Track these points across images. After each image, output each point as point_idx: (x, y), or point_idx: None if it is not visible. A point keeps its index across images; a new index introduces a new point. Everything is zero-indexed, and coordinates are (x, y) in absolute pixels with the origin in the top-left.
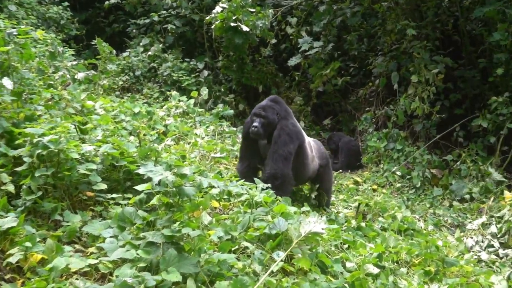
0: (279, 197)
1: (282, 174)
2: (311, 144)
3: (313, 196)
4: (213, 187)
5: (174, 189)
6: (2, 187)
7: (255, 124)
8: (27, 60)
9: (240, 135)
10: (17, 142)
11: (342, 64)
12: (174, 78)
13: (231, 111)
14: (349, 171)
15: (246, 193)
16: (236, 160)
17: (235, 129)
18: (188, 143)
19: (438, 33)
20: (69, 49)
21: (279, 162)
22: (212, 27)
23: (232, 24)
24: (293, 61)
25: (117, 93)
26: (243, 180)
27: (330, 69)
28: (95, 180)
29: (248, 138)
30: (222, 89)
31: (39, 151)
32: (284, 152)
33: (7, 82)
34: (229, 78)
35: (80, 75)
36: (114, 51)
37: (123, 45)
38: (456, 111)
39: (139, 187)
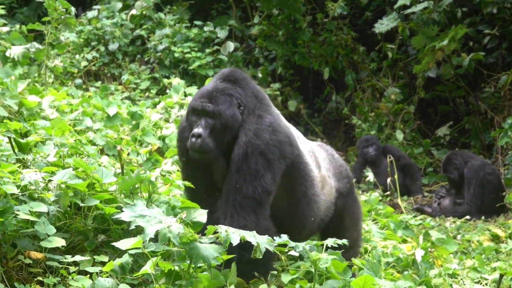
0: (356, 262)
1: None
2: (317, 153)
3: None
4: (249, 244)
5: (181, 247)
6: None
7: (197, 131)
8: None
9: None
10: None
11: (470, 31)
12: (176, 55)
13: None
14: (482, 217)
15: (305, 257)
16: None
17: None
18: None
19: None
20: None
21: (248, 213)
22: None
23: None
24: (383, 26)
25: (79, 81)
26: None
27: (450, 40)
28: (46, 231)
29: (189, 159)
30: (260, 75)
31: None
32: (256, 191)
33: None
34: (271, 55)
35: (16, 51)
36: (73, 9)
37: None
38: None
39: (121, 244)
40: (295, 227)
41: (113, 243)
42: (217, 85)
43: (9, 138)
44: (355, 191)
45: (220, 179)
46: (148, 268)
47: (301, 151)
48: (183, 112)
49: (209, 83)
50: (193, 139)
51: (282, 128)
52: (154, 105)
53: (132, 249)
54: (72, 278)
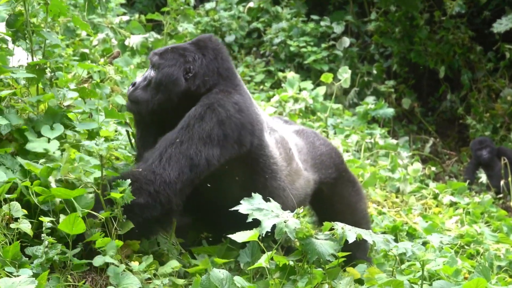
0: (465, 266)
1: (156, 178)
2: (292, 144)
3: None
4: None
5: (297, 242)
6: (13, 225)
7: (136, 79)
8: (55, 16)
9: (403, 152)
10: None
11: None
12: (291, 49)
13: (390, 110)
14: None
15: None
16: (396, 197)
17: (395, 141)
18: None
19: None
20: None
21: (172, 167)
22: None
23: None
24: (502, 26)
25: None
26: None
27: None
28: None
29: (138, 118)
30: (375, 71)
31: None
32: (199, 154)
33: (21, 51)
34: (387, 52)
35: (135, 40)
36: (192, 0)
37: None
38: None
39: (237, 236)
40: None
41: (230, 235)
42: (182, 44)
43: (127, 132)
44: (350, 176)
45: None
46: (263, 261)
47: (264, 142)
48: (298, 106)
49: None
50: (130, 87)
51: (249, 112)
52: (269, 99)
53: (248, 241)
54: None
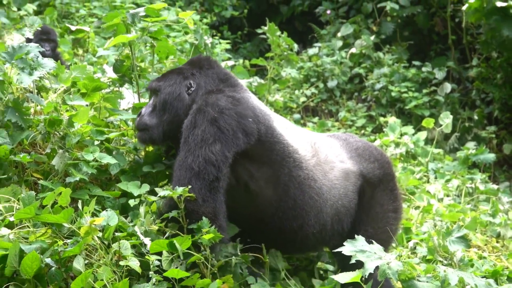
0: None
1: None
2: (319, 141)
3: None
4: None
5: (400, 284)
6: (122, 262)
7: (142, 110)
8: (162, 58)
9: (504, 197)
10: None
11: None
12: (393, 94)
13: (491, 156)
14: None
15: None
16: (496, 242)
17: (496, 187)
18: (416, 207)
19: None
20: (222, 41)
21: (186, 177)
22: (463, 8)
23: (499, 4)
24: None
25: (297, 116)
26: None
27: None
28: None
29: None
30: (476, 117)
31: None
32: (197, 160)
33: (128, 94)
34: (488, 97)
35: None
36: (296, 46)
37: (308, 36)
38: None
39: (340, 277)
40: (293, 221)
41: (333, 276)
42: (176, 67)
43: None
44: (394, 184)
45: None
46: None
47: (276, 130)
48: (399, 150)
49: None
50: (137, 120)
51: (247, 102)
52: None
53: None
54: None
